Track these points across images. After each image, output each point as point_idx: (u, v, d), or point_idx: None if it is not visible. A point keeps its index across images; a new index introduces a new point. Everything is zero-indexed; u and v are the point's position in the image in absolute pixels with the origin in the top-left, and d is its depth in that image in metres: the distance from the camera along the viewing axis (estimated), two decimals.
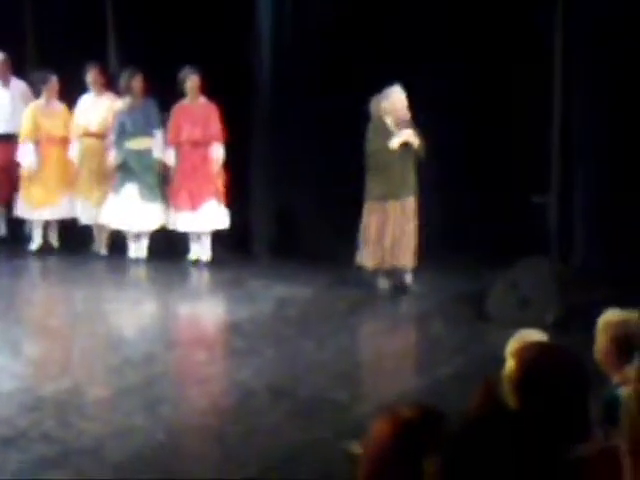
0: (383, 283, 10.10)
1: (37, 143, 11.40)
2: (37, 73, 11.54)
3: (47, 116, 11.39)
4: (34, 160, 11.36)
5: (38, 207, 11.42)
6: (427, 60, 10.78)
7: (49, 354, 8.66)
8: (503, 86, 10.76)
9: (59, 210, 11.47)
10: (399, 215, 9.88)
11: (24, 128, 11.39)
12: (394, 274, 10.07)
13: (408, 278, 10.07)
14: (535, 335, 4.74)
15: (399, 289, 10.04)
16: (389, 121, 9.88)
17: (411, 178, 9.93)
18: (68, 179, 11.44)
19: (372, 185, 9.93)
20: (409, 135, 9.81)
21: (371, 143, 9.87)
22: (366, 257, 9.97)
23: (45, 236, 11.57)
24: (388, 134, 9.87)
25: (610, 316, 4.73)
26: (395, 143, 9.80)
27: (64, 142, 11.43)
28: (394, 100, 9.82)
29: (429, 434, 2.69)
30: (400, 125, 9.84)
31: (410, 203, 9.91)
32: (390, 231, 9.87)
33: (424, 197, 10.57)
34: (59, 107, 11.46)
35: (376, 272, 10.05)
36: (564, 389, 3.09)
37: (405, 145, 9.82)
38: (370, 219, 9.93)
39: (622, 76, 10.16)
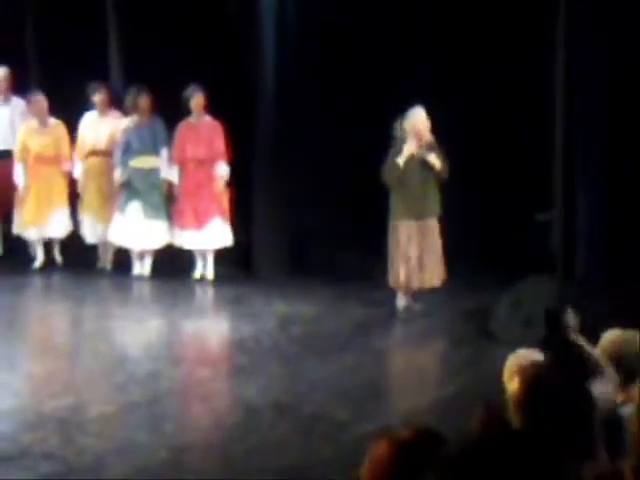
0: (400, 301, 10.05)
1: (26, 163, 11.44)
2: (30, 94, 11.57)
3: (37, 135, 11.38)
4: (22, 180, 11.41)
5: (27, 226, 11.45)
6: (430, 77, 10.81)
7: (52, 371, 8.64)
8: (505, 105, 10.77)
9: (47, 229, 11.46)
10: (421, 236, 9.76)
11: (17, 148, 11.45)
12: (409, 295, 10.00)
13: (410, 298, 10.02)
14: (531, 354, 4.71)
15: (410, 310, 10.00)
16: (411, 143, 9.70)
17: (433, 200, 9.80)
18: (59, 198, 11.44)
19: (394, 205, 9.84)
20: (412, 148, 9.69)
21: (389, 163, 9.75)
22: (394, 277, 9.88)
23: (48, 254, 11.58)
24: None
25: (609, 337, 4.73)
26: (401, 160, 9.73)
27: (54, 161, 11.42)
28: (415, 121, 9.68)
29: (427, 456, 2.69)
30: (422, 147, 9.70)
31: (432, 225, 9.79)
32: (414, 252, 9.80)
33: None
34: (53, 126, 11.44)
35: (399, 291, 9.99)
36: (568, 408, 3.09)
37: (426, 165, 9.74)
38: (395, 239, 9.84)
39: (625, 93, 10.17)
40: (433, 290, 9.98)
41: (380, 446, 2.78)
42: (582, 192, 10.50)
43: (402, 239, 9.80)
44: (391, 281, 9.91)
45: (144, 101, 11.10)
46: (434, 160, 9.70)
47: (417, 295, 10.00)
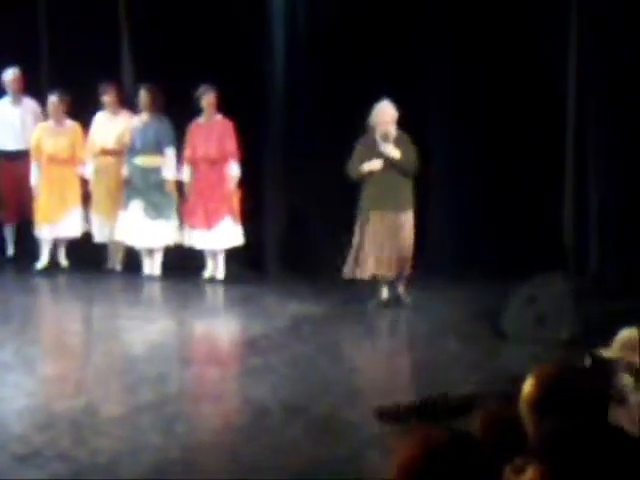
0: (385, 293, 10.05)
1: (39, 163, 11.44)
2: (48, 94, 11.57)
3: (52, 136, 11.39)
4: (36, 180, 11.41)
5: (40, 224, 11.45)
6: (442, 71, 10.80)
7: (64, 372, 8.64)
8: (516, 102, 10.74)
9: (60, 229, 11.46)
10: (384, 228, 9.77)
11: (32, 148, 11.46)
12: (393, 285, 10.01)
13: (401, 290, 10.01)
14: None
15: (394, 301, 10.00)
16: (377, 136, 9.82)
17: (401, 194, 9.80)
18: (72, 199, 11.44)
19: (360, 197, 9.91)
20: (374, 165, 9.71)
21: (351, 163, 9.87)
22: (346, 268, 9.96)
23: (53, 255, 11.57)
24: (371, 149, 9.81)
25: (623, 335, 4.70)
26: (365, 168, 9.77)
27: (68, 162, 11.42)
28: (379, 114, 9.77)
29: (458, 459, 2.65)
30: (385, 139, 9.77)
31: (398, 217, 9.77)
32: (371, 242, 9.79)
33: (439, 213, 10.53)
34: (69, 127, 11.46)
35: (380, 282, 9.99)
36: (582, 409, 3.06)
37: (388, 160, 9.73)
38: (356, 230, 9.91)
39: (636, 89, 10.14)
40: (444, 288, 9.96)
41: (412, 446, 2.71)
42: (595, 188, 10.47)
43: (357, 230, 9.85)
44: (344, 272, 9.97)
45: (149, 100, 11.10)
46: (391, 152, 9.68)
47: (408, 287, 9.96)
